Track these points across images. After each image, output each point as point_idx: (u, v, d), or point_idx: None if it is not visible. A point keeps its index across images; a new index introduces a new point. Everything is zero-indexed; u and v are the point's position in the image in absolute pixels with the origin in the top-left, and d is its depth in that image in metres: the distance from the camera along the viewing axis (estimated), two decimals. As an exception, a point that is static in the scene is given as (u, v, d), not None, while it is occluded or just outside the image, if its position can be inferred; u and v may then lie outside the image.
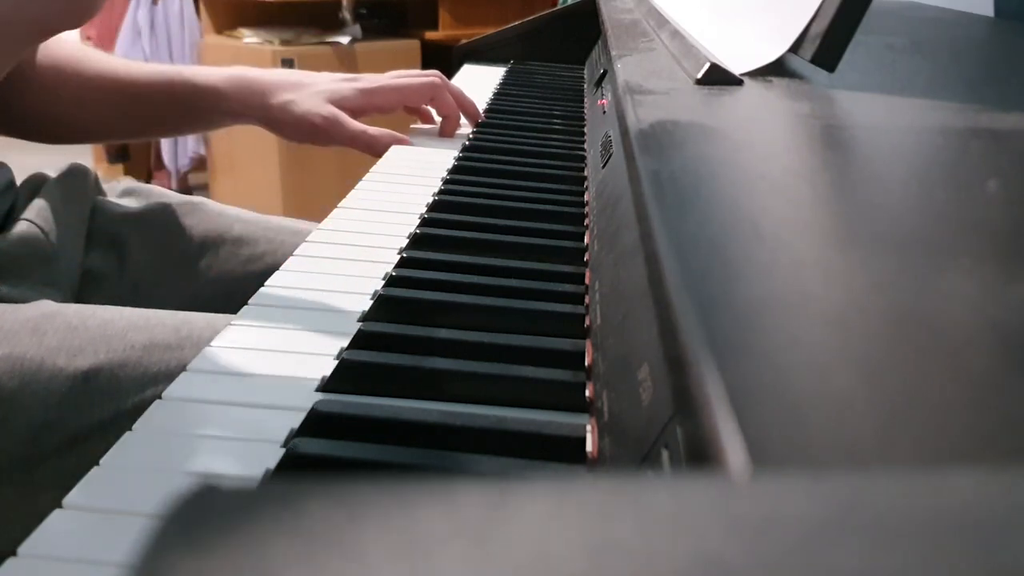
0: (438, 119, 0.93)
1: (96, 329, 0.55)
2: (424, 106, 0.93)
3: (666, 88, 0.55)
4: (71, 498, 0.32)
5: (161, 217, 0.80)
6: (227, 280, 0.78)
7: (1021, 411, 0.18)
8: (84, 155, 2.91)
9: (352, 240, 0.60)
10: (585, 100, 1.02)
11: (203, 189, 3.04)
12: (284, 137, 0.87)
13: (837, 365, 0.20)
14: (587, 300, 0.48)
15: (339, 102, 0.84)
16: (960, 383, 0.19)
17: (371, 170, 0.78)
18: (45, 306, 0.58)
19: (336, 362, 0.41)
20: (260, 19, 2.77)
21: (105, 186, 0.83)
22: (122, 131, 0.98)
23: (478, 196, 0.68)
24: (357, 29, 2.76)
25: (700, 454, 0.19)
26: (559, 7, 1.42)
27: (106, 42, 2.96)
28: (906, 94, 0.56)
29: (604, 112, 0.76)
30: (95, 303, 0.60)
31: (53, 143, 0.85)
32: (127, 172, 3.24)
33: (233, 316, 0.47)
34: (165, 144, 3.08)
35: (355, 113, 0.85)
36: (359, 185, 0.73)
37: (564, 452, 0.36)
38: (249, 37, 2.71)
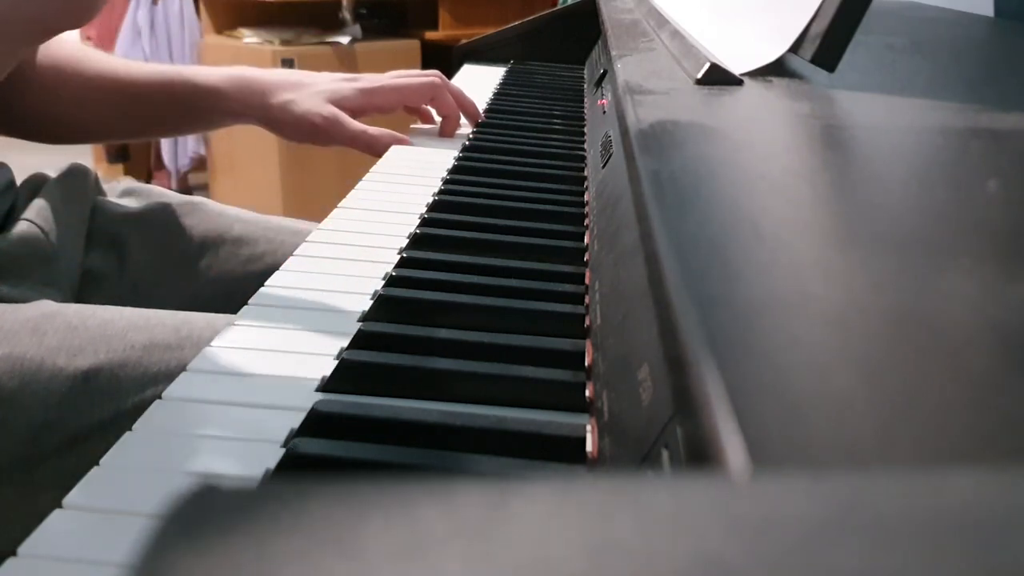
0: (438, 119, 0.93)
1: (96, 329, 0.55)
2: (424, 106, 0.93)
3: (666, 88, 0.55)
4: (71, 498, 0.32)
5: (161, 217, 0.80)
6: (227, 280, 0.78)
7: (1021, 411, 0.18)
8: (84, 155, 2.91)
9: (352, 240, 0.60)
10: (585, 100, 1.02)
11: (203, 189, 3.04)
12: (284, 137, 0.87)
13: (837, 365, 0.20)
14: (587, 300, 0.48)
15: (339, 102, 0.84)
16: (960, 383, 0.19)
17: (371, 170, 0.78)
18: (45, 306, 0.58)
19: (336, 362, 0.41)
20: (260, 19, 2.77)
21: (105, 186, 0.83)
22: (122, 131, 0.98)
23: (478, 196, 0.68)
24: (357, 29, 2.76)
25: (700, 454, 0.19)
26: (559, 7, 1.42)
27: (106, 42, 2.96)
28: (906, 94, 0.56)
29: (604, 112, 0.76)
30: (95, 303, 0.60)
31: (53, 143, 0.85)
32: (127, 172, 3.24)
33: (233, 316, 0.47)
34: (165, 144, 3.08)
35: (355, 113, 0.85)
36: (359, 185, 0.73)
37: (564, 452, 0.36)
38: (249, 37, 2.71)
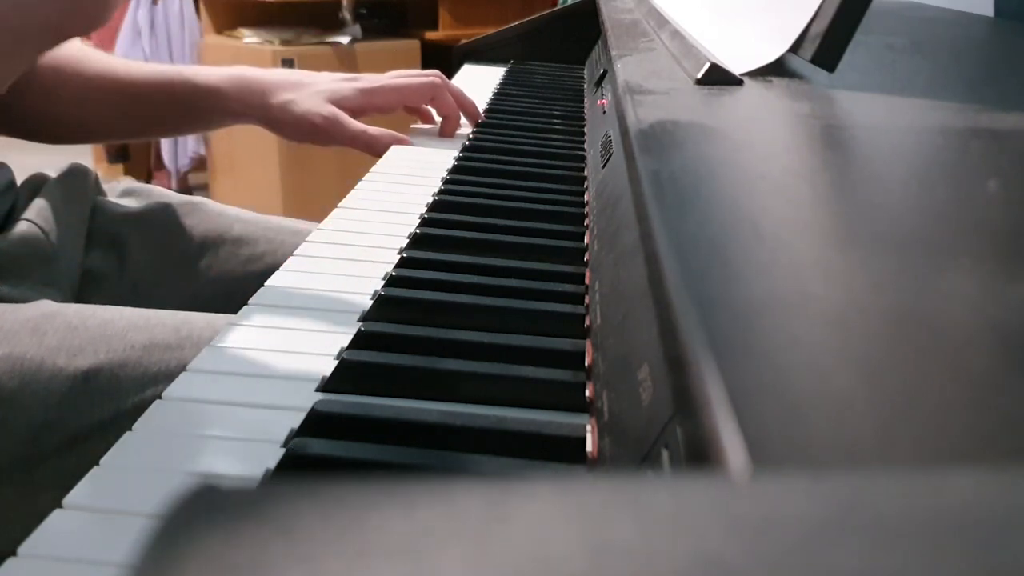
0: (438, 119, 0.93)
1: (96, 329, 0.55)
2: (424, 106, 0.93)
3: (666, 88, 0.55)
4: (71, 498, 0.32)
5: (161, 217, 0.80)
6: (227, 280, 0.78)
7: (1021, 411, 0.18)
8: (84, 155, 2.91)
9: (352, 240, 0.60)
10: (585, 100, 1.02)
11: (203, 189, 3.04)
12: (284, 137, 0.87)
13: (837, 365, 0.20)
14: (587, 300, 0.48)
15: (339, 102, 0.84)
16: (960, 383, 0.19)
17: (371, 170, 0.78)
18: (45, 306, 0.58)
19: (336, 362, 0.41)
20: (260, 19, 2.77)
21: (105, 186, 0.83)
22: (122, 131, 0.98)
23: (478, 196, 0.68)
24: (357, 29, 2.76)
25: (700, 454, 0.19)
26: (559, 7, 1.42)
27: (106, 42, 2.96)
28: (906, 94, 0.56)
29: (604, 112, 0.76)
30: (95, 303, 0.60)
31: (53, 143, 0.85)
32: (127, 172, 3.24)
33: (233, 316, 0.47)
34: (165, 144, 3.08)
35: (355, 113, 0.85)
36: (359, 185, 0.73)
37: (564, 452, 0.36)
38: (249, 37, 2.71)
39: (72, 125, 0.85)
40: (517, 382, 0.40)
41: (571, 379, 0.41)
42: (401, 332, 0.44)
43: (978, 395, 0.19)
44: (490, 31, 1.35)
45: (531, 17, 1.34)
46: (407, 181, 0.74)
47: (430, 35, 2.80)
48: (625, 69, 0.62)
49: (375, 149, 0.84)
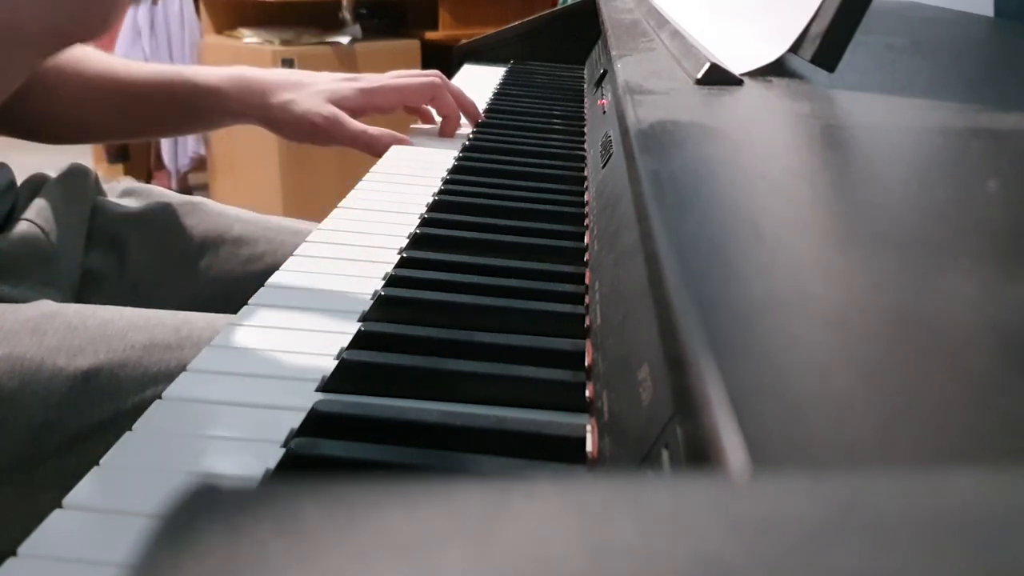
0: (438, 119, 0.93)
1: (96, 329, 0.55)
2: (424, 106, 0.93)
3: (666, 88, 0.55)
4: (71, 498, 0.32)
5: (161, 217, 0.80)
6: (227, 280, 0.78)
7: (1021, 411, 0.18)
8: (84, 155, 2.91)
9: (352, 240, 0.60)
10: (585, 100, 1.02)
11: (203, 189, 3.04)
12: (284, 137, 0.87)
13: (837, 365, 0.20)
14: (587, 300, 0.48)
15: (339, 102, 0.84)
16: (960, 383, 0.19)
17: (371, 170, 0.78)
18: (45, 306, 0.58)
19: (336, 362, 0.41)
20: (260, 19, 2.77)
21: (105, 186, 0.83)
22: (122, 131, 0.98)
23: (478, 196, 0.68)
24: (357, 29, 2.76)
25: (700, 454, 0.19)
26: (559, 7, 1.42)
27: (106, 42, 2.96)
28: (906, 94, 0.56)
29: (604, 112, 0.76)
30: (95, 303, 0.60)
31: (53, 143, 0.85)
32: (127, 172, 3.24)
33: (233, 316, 0.47)
34: (165, 144, 3.08)
35: (355, 113, 0.85)
36: (359, 185, 0.73)
37: (564, 452, 0.36)
38: (249, 37, 2.71)
39: (72, 125, 0.85)
40: (517, 382, 0.40)
41: (571, 379, 0.41)
42: (401, 332, 0.44)
43: (978, 395, 0.19)
44: (490, 31, 1.35)
45: (531, 17, 1.34)
46: (407, 181, 0.74)
47: (430, 35, 2.80)
48: (625, 69, 0.62)
49: (375, 149, 0.84)
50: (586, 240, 0.58)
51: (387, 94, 0.88)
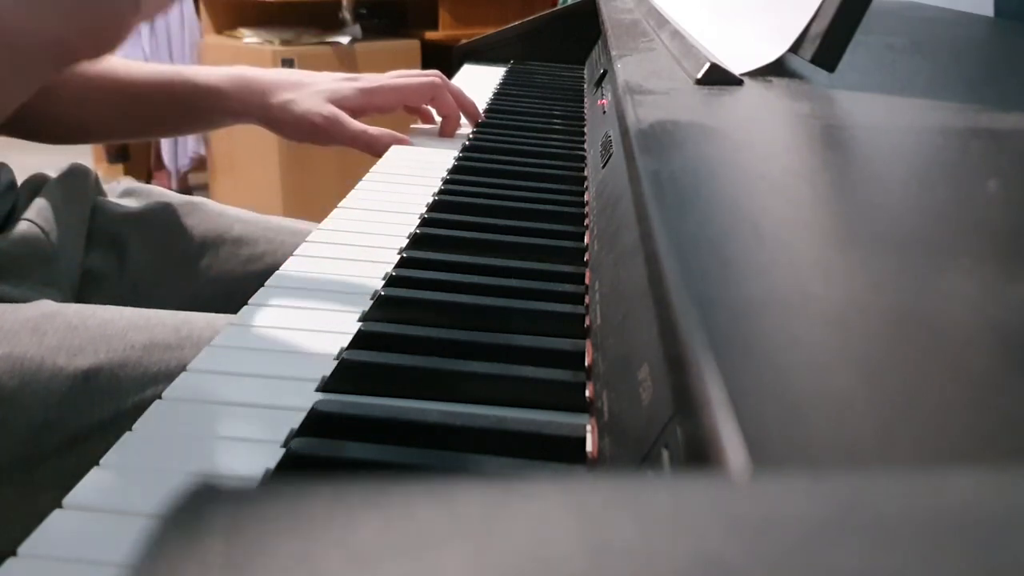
0: (438, 119, 0.93)
1: (96, 329, 0.55)
2: (424, 106, 0.93)
3: (666, 88, 0.55)
4: (71, 498, 0.32)
5: (161, 217, 0.80)
6: (227, 280, 0.78)
7: (1021, 411, 0.18)
8: (84, 155, 2.91)
9: (352, 240, 0.60)
10: (585, 100, 1.02)
11: (203, 189, 3.04)
12: (284, 136, 0.87)
13: (837, 365, 0.20)
14: (587, 300, 0.48)
15: (339, 102, 0.84)
16: (960, 383, 0.19)
17: (371, 170, 0.78)
18: (45, 306, 0.58)
19: (336, 362, 0.41)
20: (260, 19, 2.77)
21: (105, 186, 0.83)
22: (122, 131, 0.98)
23: (478, 196, 0.68)
24: (357, 29, 2.76)
25: (700, 454, 0.19)
26: (559, 7, 1.42)
27: (106, 42, 2.96)
28: (906, 94, 0.56)
29: (604, 112, 0.76)
30: (95, 303, 0.60)
31: (53, 143, 0.85)
32: (127, 172, 3.24)
33: (233, 316, 0.47)
34: (165, 144, 3.08)
35: (355, 113, 0.85)
36: (359, 185, 0.73)
37: (564, 452, 0.36)
38: (249, 37, 2.71)
39: (72, 125, 0.85)
40: (517, 382, 0.40)
41: (571, 379, 0.41)
42: (401, 332, 0.44)
43: (978, 395, 0.19)
44: (490, 31, 1.35)
45: (531, 17, 1.34)
46: (407, 181, 0.74)
47: (430, 35, 2.80)
48: (625, 69, 0.62)
49: (375, 149, 0.84)
50: (586, 240, 0.58)
51: (387, 94, 0.88)
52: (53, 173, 0.77)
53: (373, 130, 0.85)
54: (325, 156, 2.39)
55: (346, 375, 0.41)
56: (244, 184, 2.78)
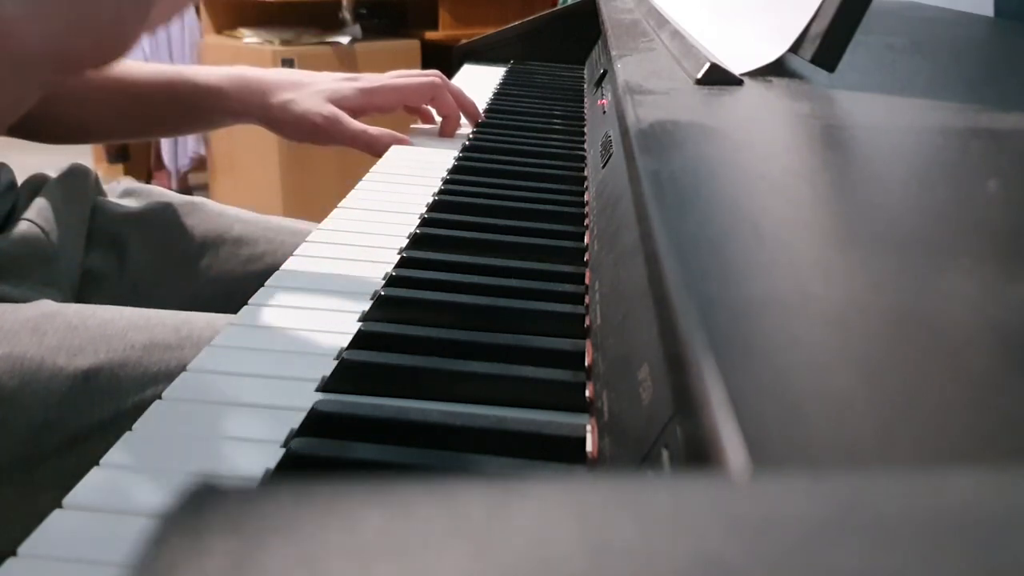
0: (438, 119, 0.93)
1: (96, 329, 0.55)
2: (424, 106, 0.93)
3: (666, 88, 0.55)
4: (71, 498, 0.32)
5: (161, 217, 0.80)
6: (227, 280, 0.78)
7: (1021, 411, 0.18)
8: (84, 155, 2.91)
9: (352, 240, 0.60)
10: (585, 100, 1.02)
11: (203, 189, 3.04)
12: (284, 136, 0.87)
13: (837, 365, 0.20)
14: (587, 300, 0.48)
15: (339, 101, 0.84)
16: (960, 383, 0.19)
17: (371, 170, 0.78)
18: (45, 306, 0.58)
19: (336, 362, 0.41)
20: (260, 19, 2.77)
21: (105, 186, 0.83)
22: (122, 131, 0.98)
23: (478, 196, 0.68)
24: (357, 29, 2.76)
25: (700, 454, 0.19)
26: (559, 7, 1.42)
27: (106, 42, 2.96)
28: (906, 94, 0.56)
29: (604, 112, 0.76)
30: (95, 303, 0.60)
31: (53, 143, 0.85)
32: (127, 172, 3.24)
33: (233, 316, 0.47)
34: (165, 144, 3.08)
35: (355, 113, 0.85)
36: (359, 185, 0.73)
37: (564, 452, 0.36)
38: (249, 37, 2.71)
39: (72, 125, 0.85)
40: (517, 382, 0.40)
41: (571, 379, 0.41)
42: (401, 332, 0.44)
43: (978, 395, 0.19)
44: (490, 31, 1.35)
45: (531, 17, 1.34)
46: (407, 181, 0.74)
47: (430, 35, 2.80)
48: (625, 69, 0.62)
49: (375, 149, 0.84)
50: (586, 240, 0.58)
51: (387, 94, 0.88)
52: (53, 173, 0.77)
53: (373, 130, 0.85)
54: (325, 156, 2.39)
55: (346, 375, 0.41)
56: (244, 184, 2.78)
